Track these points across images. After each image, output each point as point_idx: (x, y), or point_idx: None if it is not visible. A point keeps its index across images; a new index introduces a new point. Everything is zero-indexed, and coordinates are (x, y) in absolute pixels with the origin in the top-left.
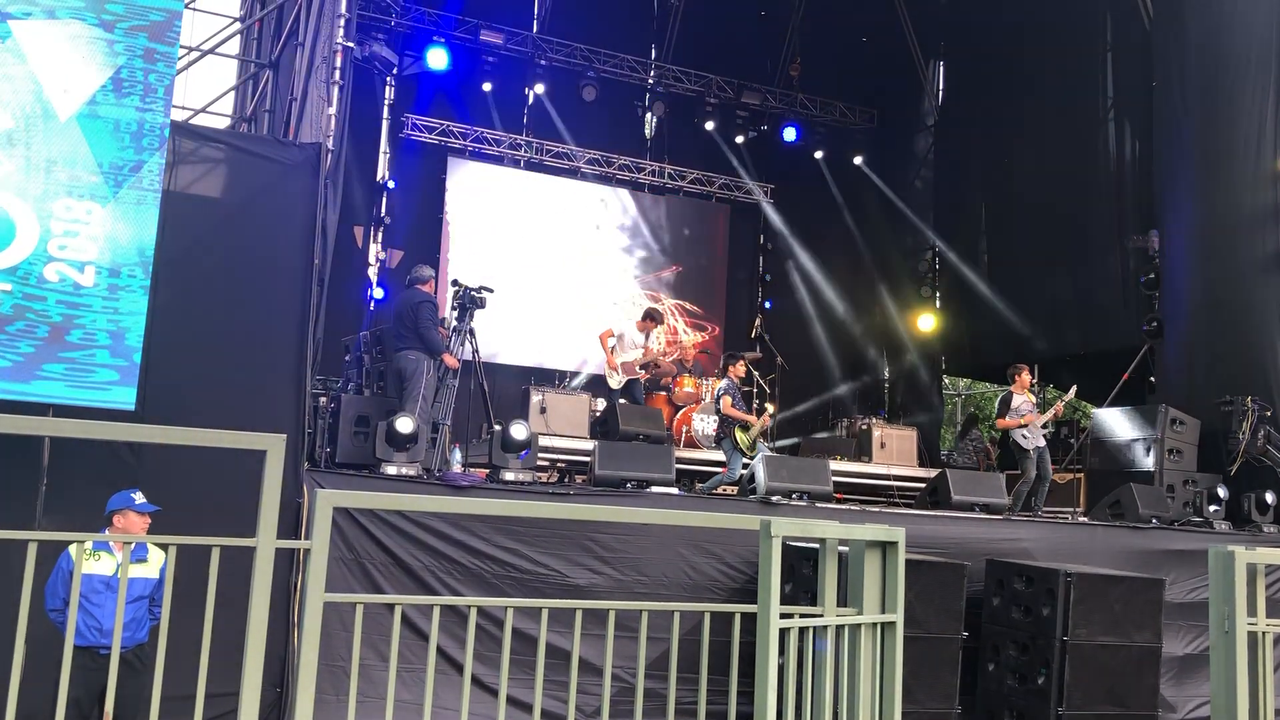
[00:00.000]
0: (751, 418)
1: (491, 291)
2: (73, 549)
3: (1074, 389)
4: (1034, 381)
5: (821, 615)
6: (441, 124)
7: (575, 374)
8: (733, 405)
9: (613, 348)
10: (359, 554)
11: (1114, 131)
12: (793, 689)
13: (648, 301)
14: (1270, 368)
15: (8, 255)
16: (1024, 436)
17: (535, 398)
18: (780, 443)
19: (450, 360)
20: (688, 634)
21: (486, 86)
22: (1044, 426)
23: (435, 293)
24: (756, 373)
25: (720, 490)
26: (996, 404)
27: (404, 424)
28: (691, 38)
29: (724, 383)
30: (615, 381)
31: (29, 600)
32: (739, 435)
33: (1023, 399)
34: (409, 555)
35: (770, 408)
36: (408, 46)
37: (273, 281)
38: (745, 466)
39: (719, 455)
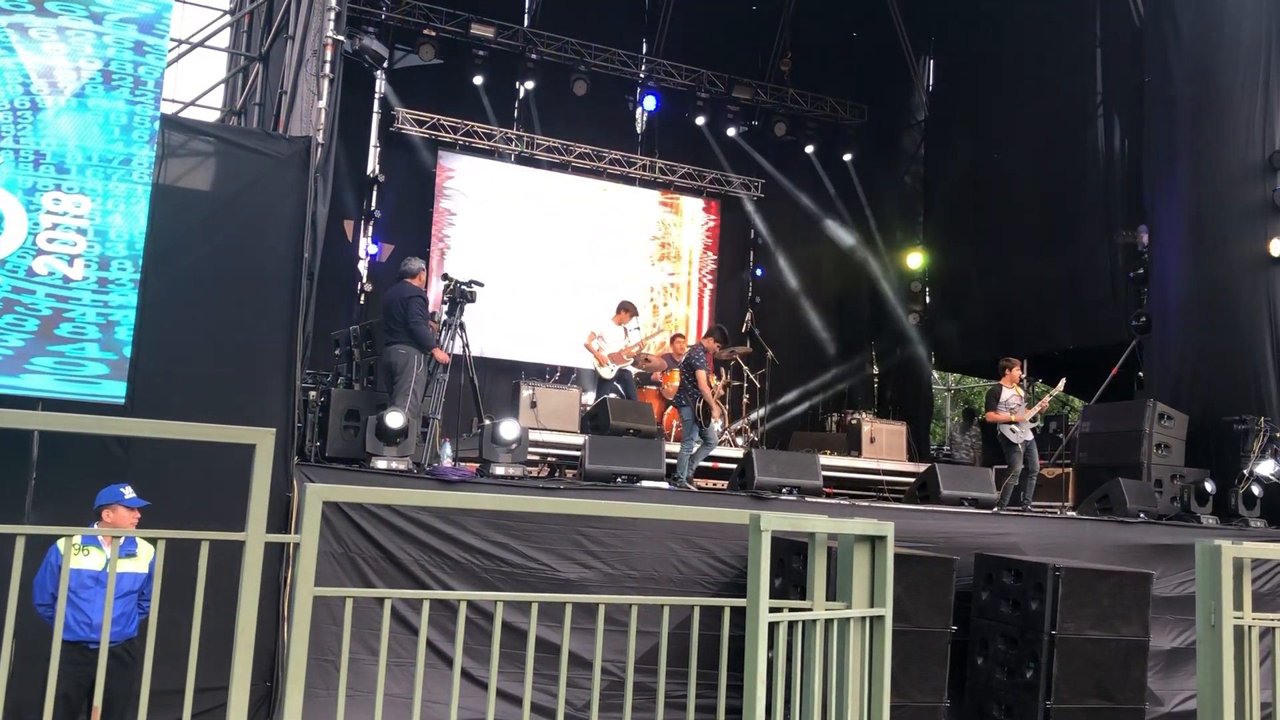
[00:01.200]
0: (716, 407)
1: (482, 285)
2: (61, 544)
3: (1062, 383)
4: (1023, 376)
5: (810, 609)
6: (432, 118)
7: (566, 368)
8: (705, 380)
9: (599, 348)
10: (349, 548)
11: (1103, 127)
12: (782, 682)
13: (640, 295)
14: (1259, 364)
15: None
16: (1012, 430)
17: (526, 392)
18: (773, 420)
19: (440, 355)
20: (677, 628)
21: (478, 80)
22: (1031, 421)
23: (426, 286)
24: (747, 367)
25: (702, 481)
26: (985, 397)
27: (394, 419)
28: (683, 32)
29: (697, 353)
30: (608, 372)
31: (17, 595)
32: (699, 404)
33: (1011, 393)
34: (399, 549)
35: (724, 376)
36: (398, 40)
37: (263, 275)
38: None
39: (712, 451)
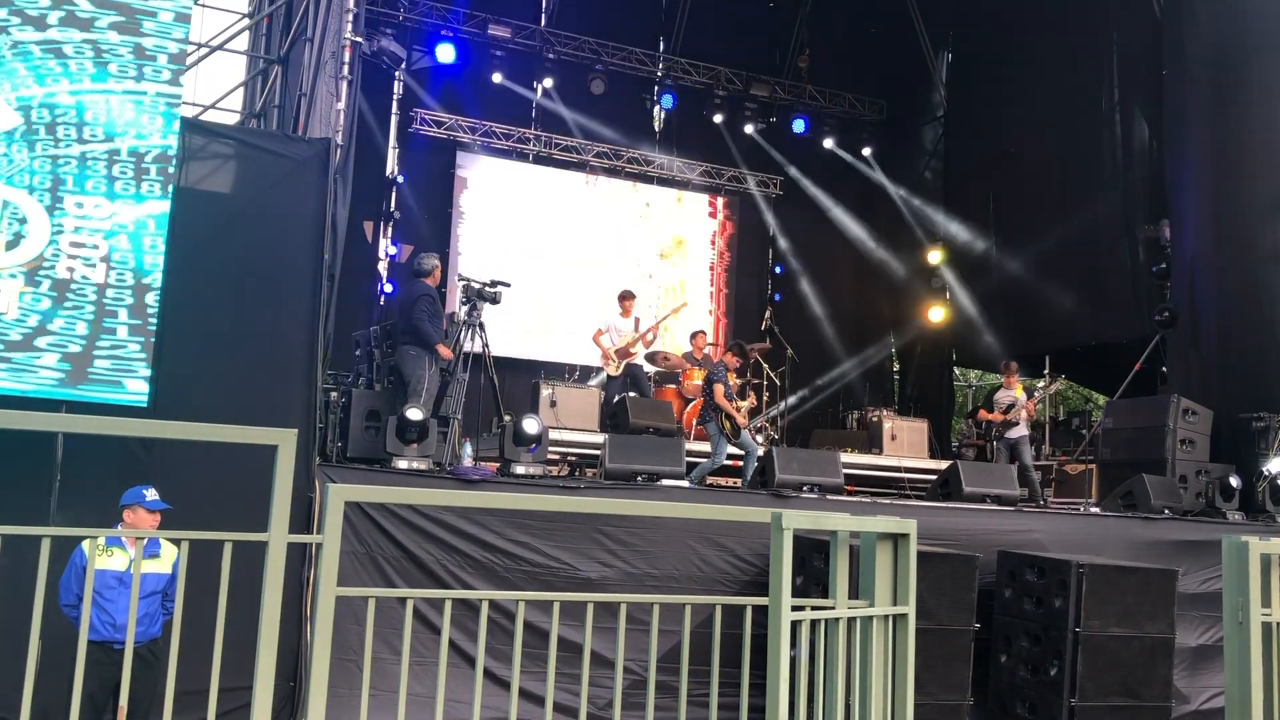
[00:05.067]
0: (739, 416)
1: (508, 286)
2: (86, 545)
3: (1053, 383)
4: (1016, 377)
5: (833, 607)
6: (450, 118)
7: (585, 367)
8: (723, 395)
9: (608, 344)
10: (371, 548)
11: (1124, 121)
12: (805, 681)
13: (656, 293)
14: None
15: (20, 252)
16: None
17: (545, 391)
18: (794, 418)
19: (444, 352)
20: (699, 626)
21: (496, 78)
22: (1006, 421)
23: (443, 282)
24: (766, 365)
25: (722, 480)
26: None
27: (414, 413)
28: (699, 30)
29: (718, 369)
30: (614, 369)
31: (43, 596)
32: (724, 420)
33: (1006, 394)
34: (420, 549)
35: (750, 395)
36: (416, 41)
37: (283, 277)
38: (735, 456)
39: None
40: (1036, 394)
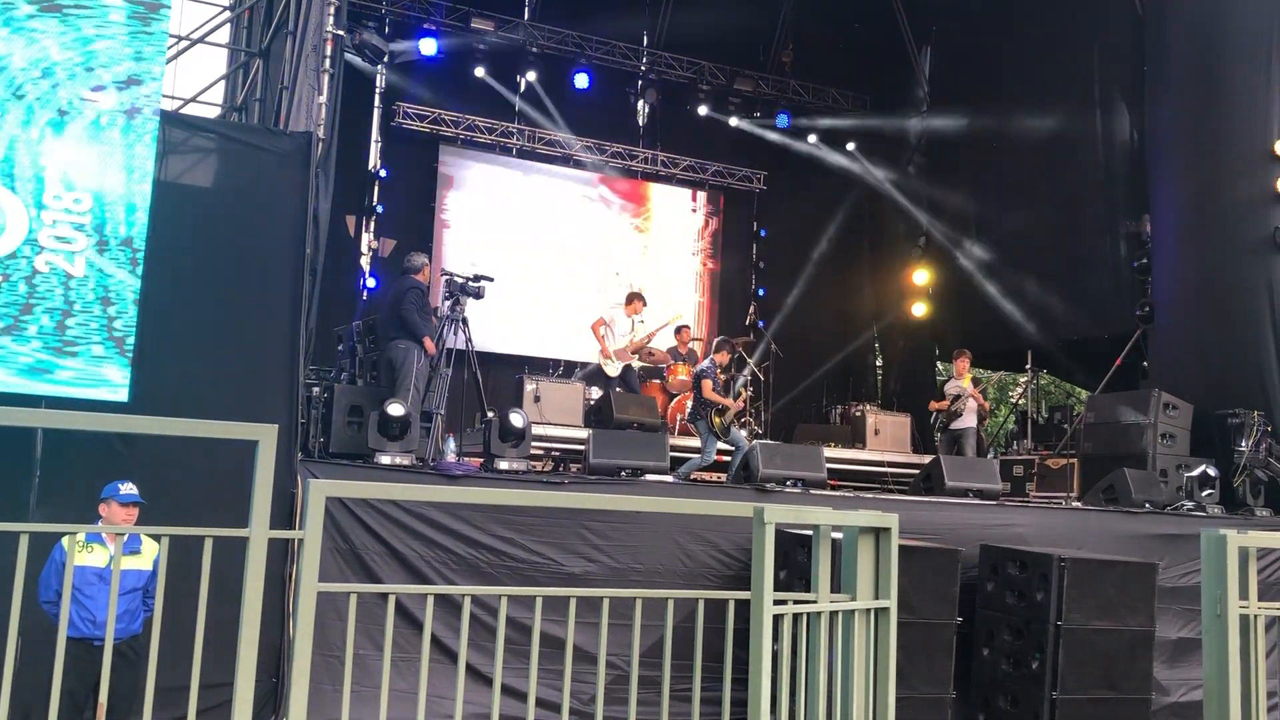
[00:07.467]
0: (728, 401)
1: (491, 280)
2: (65, 541)
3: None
4: (966, 365)
5: (815, 601)
6: (433, 112)
7: (569, 363)
8: (712, 389)
9: (604, 336)
10: (353, 544)
11: (1106, 116)
12: (787, 675)
13: (640, 287)
14: (1263, 352)
15: None
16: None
17: (529, 387)
18: (777, 413)
19: (428, 345)
20: (682, 621)
21: (479, 73)
22: (953, 414)
23: (430, 280)
24: (750, 360)
25: (707, 475)
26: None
27: (395, 408)
28: (684, 24)
29: (705, 364)
30: (612, 369)
31: (21, 592)
32: (715, 418)
33: (954, 384)
34: (403, 545)
35: (743, 393)
36: (398, 34)
37: (265, 271)
38: (725, 452)
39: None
40: (979, 384)
